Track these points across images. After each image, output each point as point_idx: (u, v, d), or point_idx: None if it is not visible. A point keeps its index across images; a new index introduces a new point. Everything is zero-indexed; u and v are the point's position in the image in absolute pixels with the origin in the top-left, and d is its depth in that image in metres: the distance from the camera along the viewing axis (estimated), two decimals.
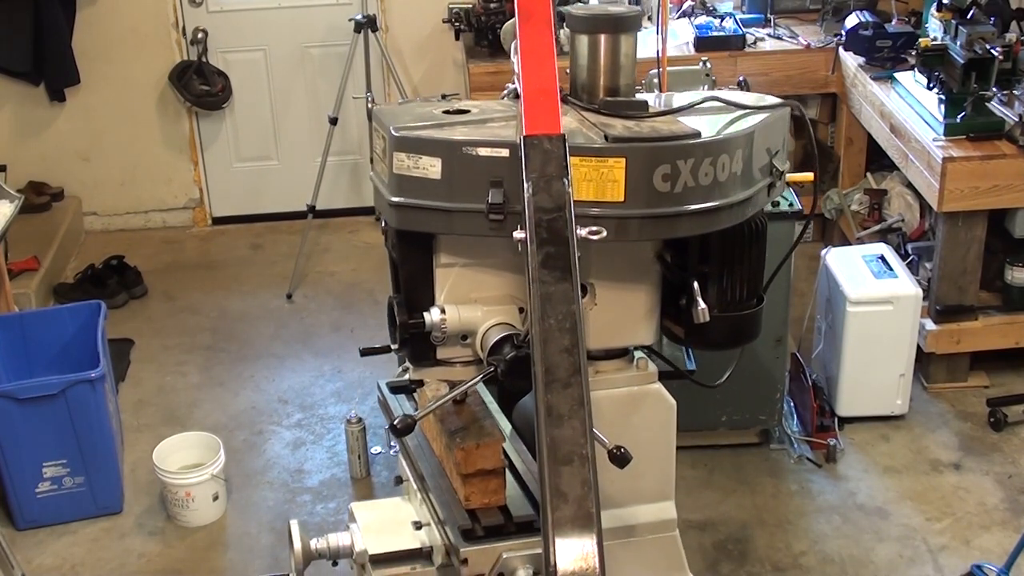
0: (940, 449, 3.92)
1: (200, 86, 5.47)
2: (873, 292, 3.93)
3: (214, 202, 5.86)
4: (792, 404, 4.03)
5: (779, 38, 5.11)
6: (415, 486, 2.17)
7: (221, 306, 5.06)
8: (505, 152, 1.79)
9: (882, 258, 4.09)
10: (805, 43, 5.03)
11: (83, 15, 5.39)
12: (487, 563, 1.90)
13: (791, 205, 3.59)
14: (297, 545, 2.05)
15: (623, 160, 1.79)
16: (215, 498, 3.69)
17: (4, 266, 4.38)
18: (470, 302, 1.95)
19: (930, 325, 4.12)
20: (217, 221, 5.88)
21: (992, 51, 3.94)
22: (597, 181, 1.80)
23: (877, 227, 4.81)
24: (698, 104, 2.03)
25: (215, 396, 4.39)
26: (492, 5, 5.00)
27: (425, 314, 1.93)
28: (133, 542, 3.63)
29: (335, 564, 2.16)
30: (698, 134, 1.85)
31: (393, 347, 2.02)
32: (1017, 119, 3.98)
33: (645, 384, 2.12)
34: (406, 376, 2.30)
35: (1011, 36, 4.07)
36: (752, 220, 2.00)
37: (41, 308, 4.71)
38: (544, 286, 1.57)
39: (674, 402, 2.15)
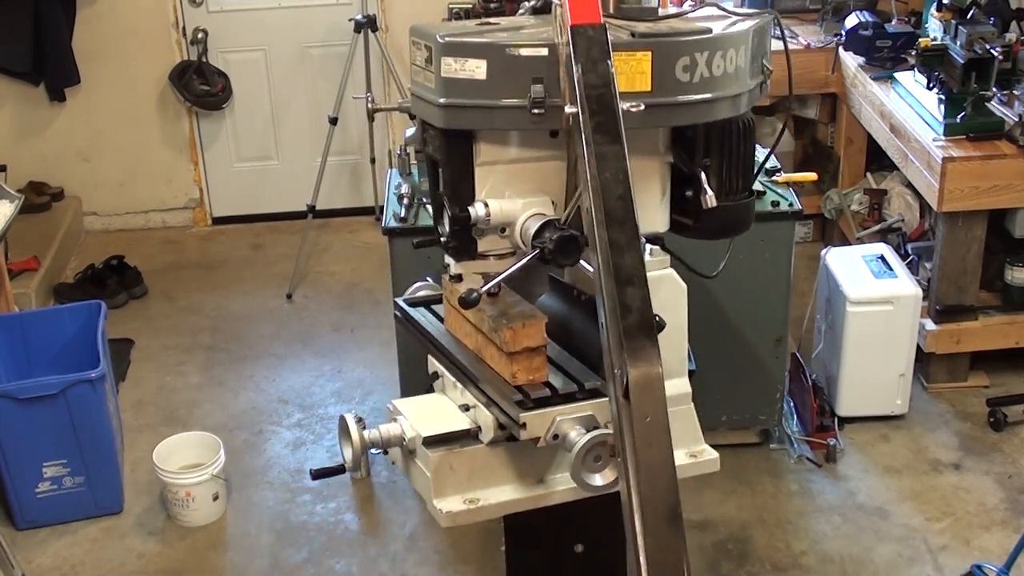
0: (940, 449, 3.92)
1: (200, 86, 5.48)
2: (873, 292, 3.93)
3: (214, 202, 5.86)
4: (792, 404, 4.03)
5: (779, 38, 5.09)
6: (451, 378, 2.35)
7: (221, 306, 5.06)
8: (544, 51, 2.00)
9: (882, 258, 4.09)
10: (805, 43, 5.03)
11: (83, 15, 5.39)
12: (543, 427, 2.09)
13: (791, 205, 3.59)
14: (355, 436, 2.24)
15: (649, 53, 2.04)
16: (215, 498, 3.69)
17: (4, 266, 4.38)
18: (507, 197, 2.16)
19: (930, 325, 4.12)
20: (217, 221, 5.88)
21: (992, 51, 3.94)
22: (627, 73, 2.03)
23: (877, 227, 4.81)
24: (700, 10, 2.31)
25: (215, 396, 4.39)
26: (492, 5, 5.00)
27: (470, 208, 2.12)
28: (133, 542, 3.63)
29: (386, 453, 2.35)
30: (710, 30, 2.11)
31: (441, 240, 2.21)
32: (1017, 119, 3.98)
33: (659, 270, 2.33)
34: (420, 293, 2.58)
35: (1011, 36, 4.07)
36: (746, 116, 2.26)
37: (41, 308, 4.71)
38: (599, 147, 1.83)
39: (685, 285, 2.35)
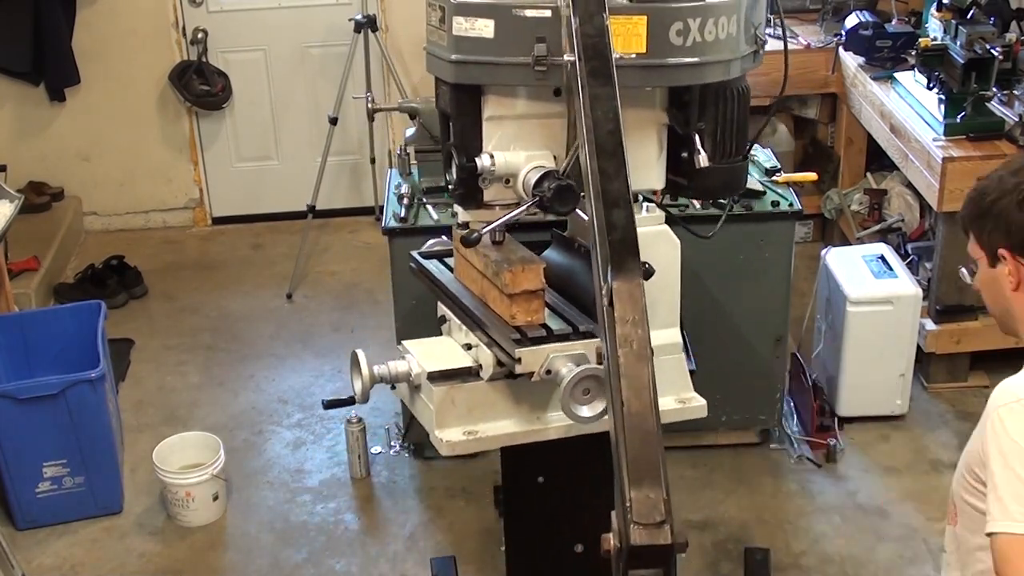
0: (940, 449, 3.92)
1: (200, 86, 5.47)
2: (873, 292, 3.93)
3: (214, 202, 5.86)
4: (792, 404, 4.03)
5: (779, 38, 5.08)
6: (458, 321, 2.53)
7: (221, 306, 5.06)
8: (548, 13, 2.17)
9: (882, 258, 4.09)
10: (805, 43, 5.03)
11: (83, 15, 5.39)
12: (537, 362, 2.26)
13: (791, 205, 3.59)
14: (364, 371, 2.40)
15: (645, 17, 2.20)
16: (215, 498, 3.69)
17: (4, 266, 4.38)
18: (512, 150, 2.32)
19: (930, 325, 4.12)
20: (217, 221, 5.88)
21: (992, 51, 3.94)
22: (624, 35, 2.19)
23: (877, 227, 4.81)
24: None
25: (215, 396, 4.39)
26: None
27: (477, 159, 2.30)
28: (133, 542, 3.63)
29: (393, 387, 2.52)
30: None
31: (449, 188, 2.42)
32: (1017, 119, 3.98)
33: (655, 225, 2.46)
34: (435, 248, 2.80)
35: (1011, 36, 4.07)
36: (740, 83, 2.40)
37: (41, 308, 4.71)
38: (592, 89, 2.00)
39: (679, 241, 2.47)
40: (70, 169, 5.64)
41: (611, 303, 1.70)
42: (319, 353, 4.65)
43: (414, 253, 2.80)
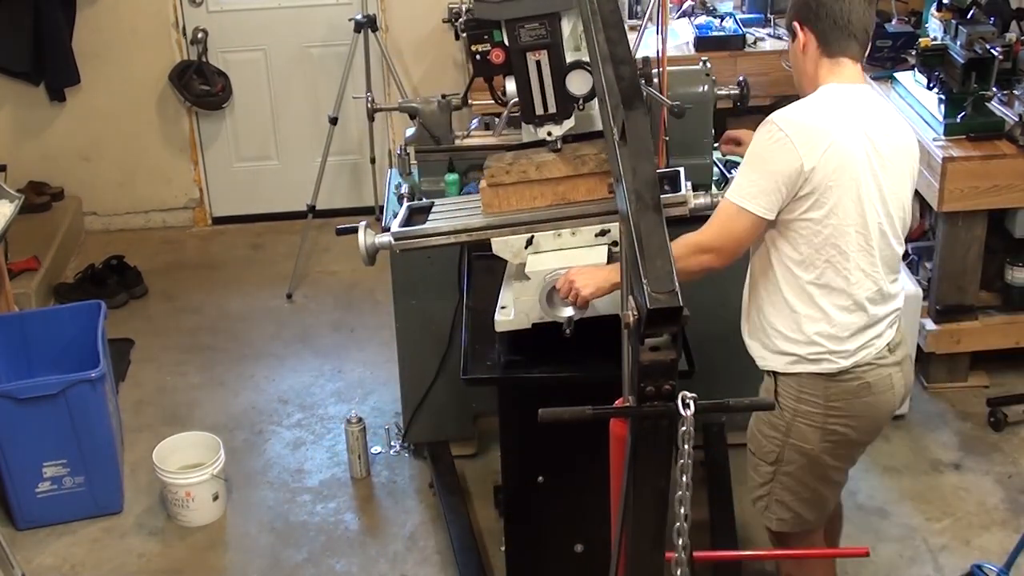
0: (940, 449, 3.92)
1: (200, 86, 5.47)
2: None
3: (214, 202, 5.86)
4: None
5: (779, 38, 5.10)
6: (550, 232, 2.75)
7: (221, 306, 5.06)
8: None
9: None
10: None
11: (83, 15, 5.39)
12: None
13: None
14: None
15: None
16: (215, 498, 3.69)
17: (4, 266, 4.38)
18: None
19: (930, 325, 4.12)
20: (217, 221, 5.88)
21: (992, 51, 3.94)
22: None
23: None
24: None
25: (215, 396, 4.39)
26: None
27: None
28: (133, 542, 3.63)
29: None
30: None
31: (539, 115, 2.74)
32: (1017, 119, 3.98)
33: None
34: (399, 218, 2.99)
35: (1011, 36, 4.07)
36: None
37: (41, 308, 4.71)
38: None
39: None
40: (70, 169, 5.64)
41: (623, 136, 1.96)
42: (319, 353, 4.65)
43: (391, 237, 2.88)
